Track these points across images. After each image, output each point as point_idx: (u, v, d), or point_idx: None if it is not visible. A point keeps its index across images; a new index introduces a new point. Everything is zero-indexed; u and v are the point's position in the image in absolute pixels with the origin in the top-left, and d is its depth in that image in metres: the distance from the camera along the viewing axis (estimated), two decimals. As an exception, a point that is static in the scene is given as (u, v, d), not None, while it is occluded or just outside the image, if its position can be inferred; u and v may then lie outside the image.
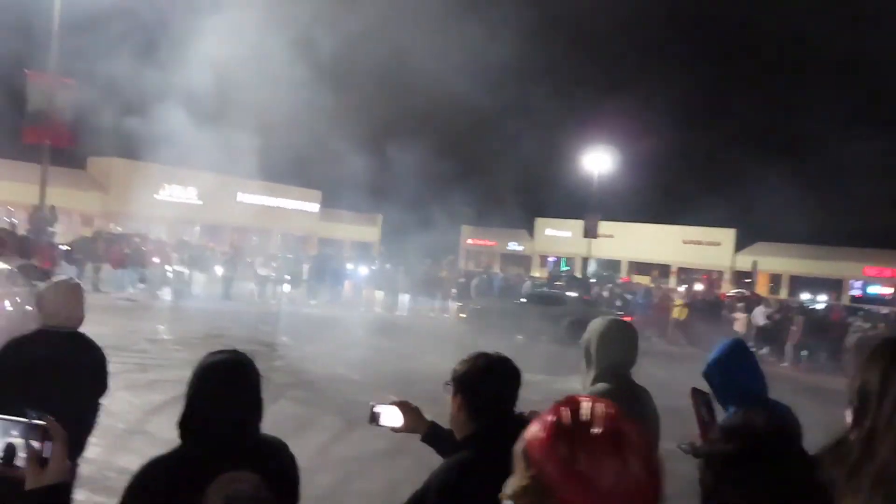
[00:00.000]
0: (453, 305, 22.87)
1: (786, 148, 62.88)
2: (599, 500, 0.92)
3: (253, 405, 2.02)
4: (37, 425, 1.23)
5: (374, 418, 2.38)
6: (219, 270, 21.99)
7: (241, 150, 22.78)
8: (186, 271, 20.53)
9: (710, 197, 42.61)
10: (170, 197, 37.05)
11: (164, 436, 7.21)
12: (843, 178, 46.01)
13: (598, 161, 35.82)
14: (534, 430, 0.99)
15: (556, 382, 12.35)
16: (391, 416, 2.37)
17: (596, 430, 0.95)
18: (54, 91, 18.09)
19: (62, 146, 18.95)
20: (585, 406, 0.99)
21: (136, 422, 7.48)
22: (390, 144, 24.46)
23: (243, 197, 39.84)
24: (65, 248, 19.95)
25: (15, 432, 1.21)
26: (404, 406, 2.38)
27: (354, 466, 6.66)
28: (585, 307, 19.20)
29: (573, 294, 21.71)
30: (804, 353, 19.54)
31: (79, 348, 3.28)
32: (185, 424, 1.94)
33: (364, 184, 28.50)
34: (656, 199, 46.87)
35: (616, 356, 2.60)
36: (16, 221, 21.45)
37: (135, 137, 20.65)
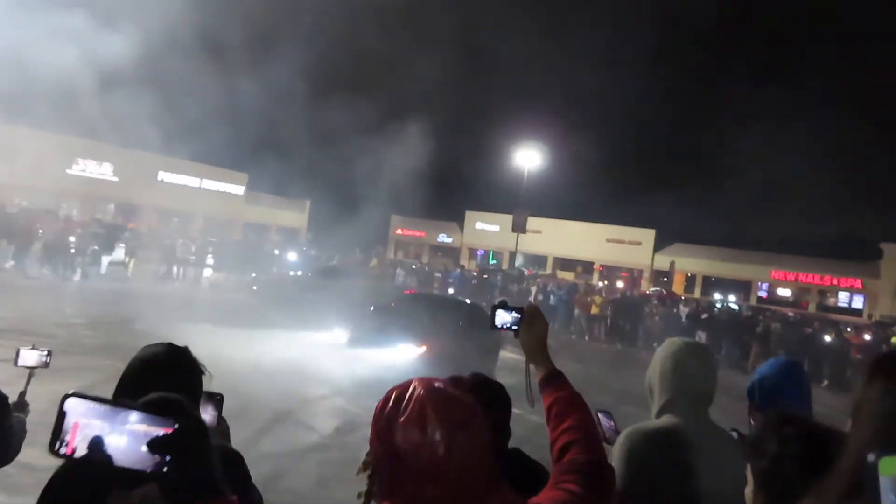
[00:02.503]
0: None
1: (707, 155, 65.70)
2: (405, 469, 1.13)
3: (189, 399, 1.81)
4: None
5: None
6: (132, 251, 20.88)
7: (164, 126, 21.61)
8: (96, 250, 19.32)
9: (633, 198, 44.10)
10: (83, 172, 34.97)
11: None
12: (756, 185, 48.46)
13: (528, 158, 36.19)
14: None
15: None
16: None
17: (406, 412, 1.15)
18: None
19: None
20: (402, 390, 1.20)
21: (41, 413, 6.75)
22: (321, 129, 23.81)
23: (164, 176, 38.07)
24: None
25: None
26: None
27: (285, 461, 6.32)
28: (369, 281, 19.55)
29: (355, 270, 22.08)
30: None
31: None
32: None
33: (292, 168, 27.70)
34: (583, 198, 48.01)
35: (690, 385, 2.16)
36: None
37: (46, 105, 19.15)
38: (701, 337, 20.11)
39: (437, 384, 1.21)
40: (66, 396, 0.96)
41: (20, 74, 16.98)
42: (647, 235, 49.52)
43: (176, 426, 1.04)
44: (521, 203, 35.73)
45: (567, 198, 46.51)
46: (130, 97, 18.46)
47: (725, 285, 47.13)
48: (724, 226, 42.27)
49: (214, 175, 41.52)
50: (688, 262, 47.14)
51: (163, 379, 1.79)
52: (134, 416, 1.02)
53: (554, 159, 38.18)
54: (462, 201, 52.23)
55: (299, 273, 19.65)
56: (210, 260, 21.94)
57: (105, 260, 19.39)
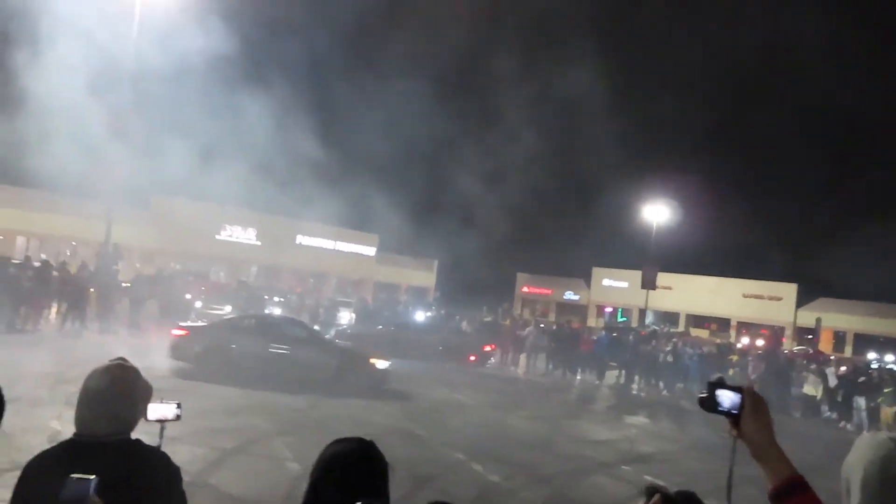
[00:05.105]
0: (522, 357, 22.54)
1: (851, 201, 61.05)
2: None
3: (379, 496, 1.93)
4: None
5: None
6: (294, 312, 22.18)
7: (302, 193, 23.22)
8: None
9: (772, 251, 41.49)
10: (230, 237, 37.88)
11: (229, 490, 7.06)
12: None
13: (657, 212, 35.25)
14: None
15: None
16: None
17: None
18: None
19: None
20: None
21: (197, 473, 7.27)
22: (449, 190, 24.58)
23: (302, 239, 40.45)
24: (125, 284, 20.31)
25: None
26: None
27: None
28: (454, 335, 21.11)
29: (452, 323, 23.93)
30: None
31: (120, 468, 2.01)
32: None
33: (421, 229, 28.61)
34: (716, 251, 45.77)
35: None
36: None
37: (199, 178, 21.21)
38: (859, 403, 18.28)
39: None
40: None
41: (179, 153, 18.98)
42: (789, 290, 46.24)
43: None
44: (650, 258, 34.68)
45: (699, 252, 44.63)
46: (277, 167, 20.02)
47: (881, 344, 42.64)
48: (878, 277, 38.51)
49: (348, 237, 43.58)
50: (835, 318, 43.34)
51: (355, 475, 1.89)
52: None
53: (684, 212, 36.91)
54: (589, 257, 51.42)
55: (380, 327, 20.31)
56: (343, 318, 22.85)
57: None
